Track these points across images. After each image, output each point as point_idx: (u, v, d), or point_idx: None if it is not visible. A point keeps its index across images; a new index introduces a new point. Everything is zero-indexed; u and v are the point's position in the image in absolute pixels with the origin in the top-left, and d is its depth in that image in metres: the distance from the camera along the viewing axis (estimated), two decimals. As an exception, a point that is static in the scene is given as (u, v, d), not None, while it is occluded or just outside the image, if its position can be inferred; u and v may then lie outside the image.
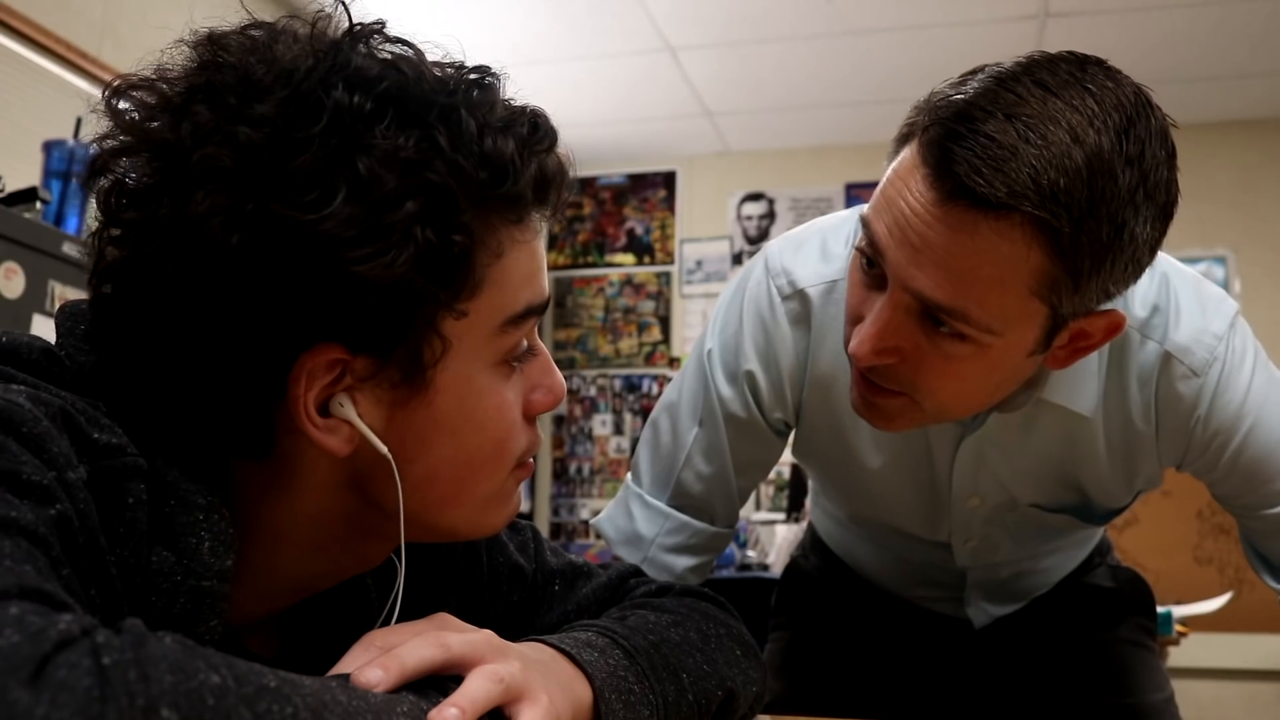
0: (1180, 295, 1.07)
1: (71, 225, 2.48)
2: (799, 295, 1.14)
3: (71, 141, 2.56)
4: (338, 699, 0.52)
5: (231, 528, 0.63)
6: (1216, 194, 4.81)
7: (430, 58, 0.68)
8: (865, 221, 0.94)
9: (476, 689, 0.59)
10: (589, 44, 4.38)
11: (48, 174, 2.52)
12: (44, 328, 2.27)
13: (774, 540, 3.75)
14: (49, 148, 2.56)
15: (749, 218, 5.40)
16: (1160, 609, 3.29)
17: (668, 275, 5.50)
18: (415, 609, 0.71)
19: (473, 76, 0.67)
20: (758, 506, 4.99)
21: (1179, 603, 3.49)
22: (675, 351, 5.41)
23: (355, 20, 0.67)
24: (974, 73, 0.90)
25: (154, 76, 0.65)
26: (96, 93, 0.68)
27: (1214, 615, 3.32)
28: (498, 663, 0.61)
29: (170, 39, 0.67)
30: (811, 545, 1.59)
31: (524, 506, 0.78)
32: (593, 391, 5.48)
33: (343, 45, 0.65)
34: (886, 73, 4.46)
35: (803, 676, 1.49)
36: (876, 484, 1.22)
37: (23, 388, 0.57)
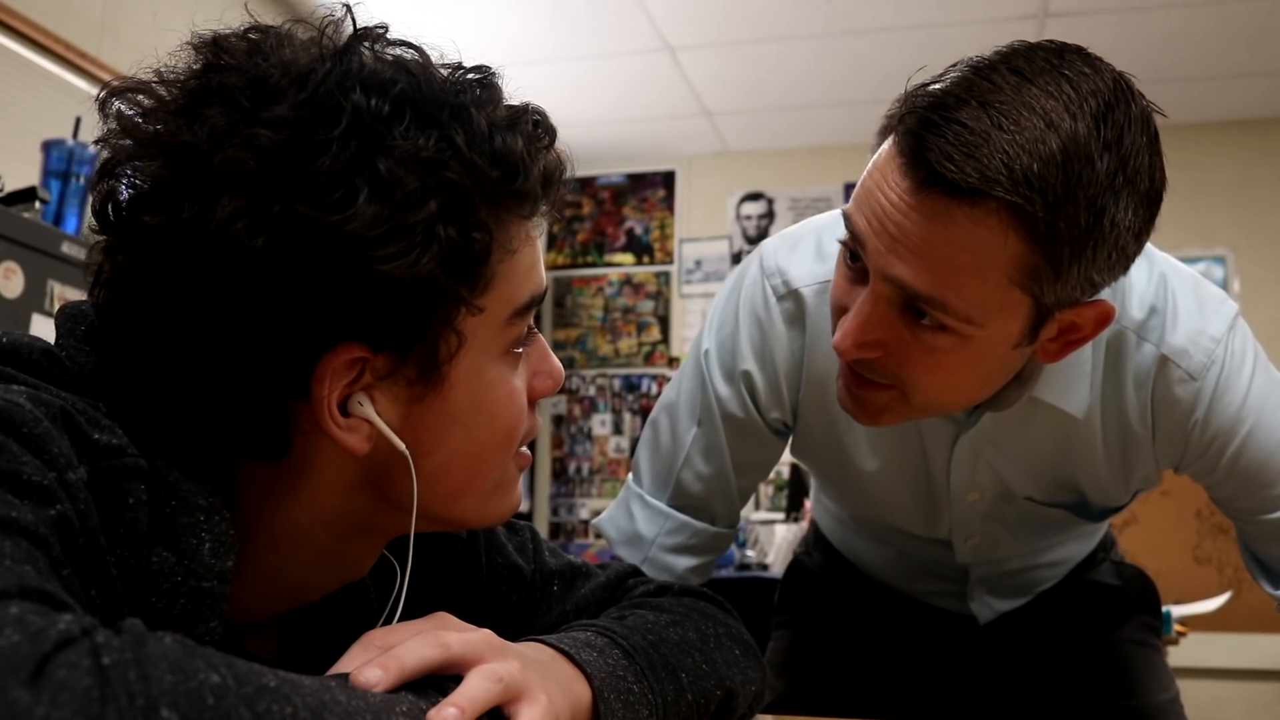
0: (1178, 296, 1.06)
1: (70, 225, 2.48)
2: (794, 295, 1.14)
3: (71, 141, 2.56)
4: (337, 699, 0.52)
5: (232, 529, 0.63)
6: (1216, 193, 4.81)
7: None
8: (847, 215, 0.94)
9: (475, 688, 0.59)
10: (588, 44, 4.39)
11: (47, 174, 2.52)
12: (43, 328, 2.27)
13: (773, 540, 3.75)
14: (48, 147, 2.55)
15: (748, 217, 5.40)
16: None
17: (667, 275, 5.50)
18: (414, 609, 0.71)
19: (476, 76, 0.68)
20: (757, 506, 4.99)
21: (1178, 602, 3.50)
22: (675, 351, 5.41)
23: (359, 24, 0.67)
24: (955, 65, 0.90)
25: (152, 79, 0.65)
26: (95, 92, 0.68)
27: (1213, 615, 3.32)
28: (497, 662, 0.61)
29: (170, 39, 0.67)
30: (814, 542, 1.59)
31: (523, 506, 0.79)
32: (592, 391, 5.48)
33: (353, 48, 0.65)
34: (886, 72, 4.46)
35: (805, 675, 1.49)
36: (874, 485, 1.22)
37: (23, 388, 0.57)
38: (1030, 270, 0.86)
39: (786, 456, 1.30)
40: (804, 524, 3.68)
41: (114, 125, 0.65)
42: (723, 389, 1.18)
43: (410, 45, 0.68)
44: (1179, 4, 3.92)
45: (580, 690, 0.68)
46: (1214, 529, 4.56)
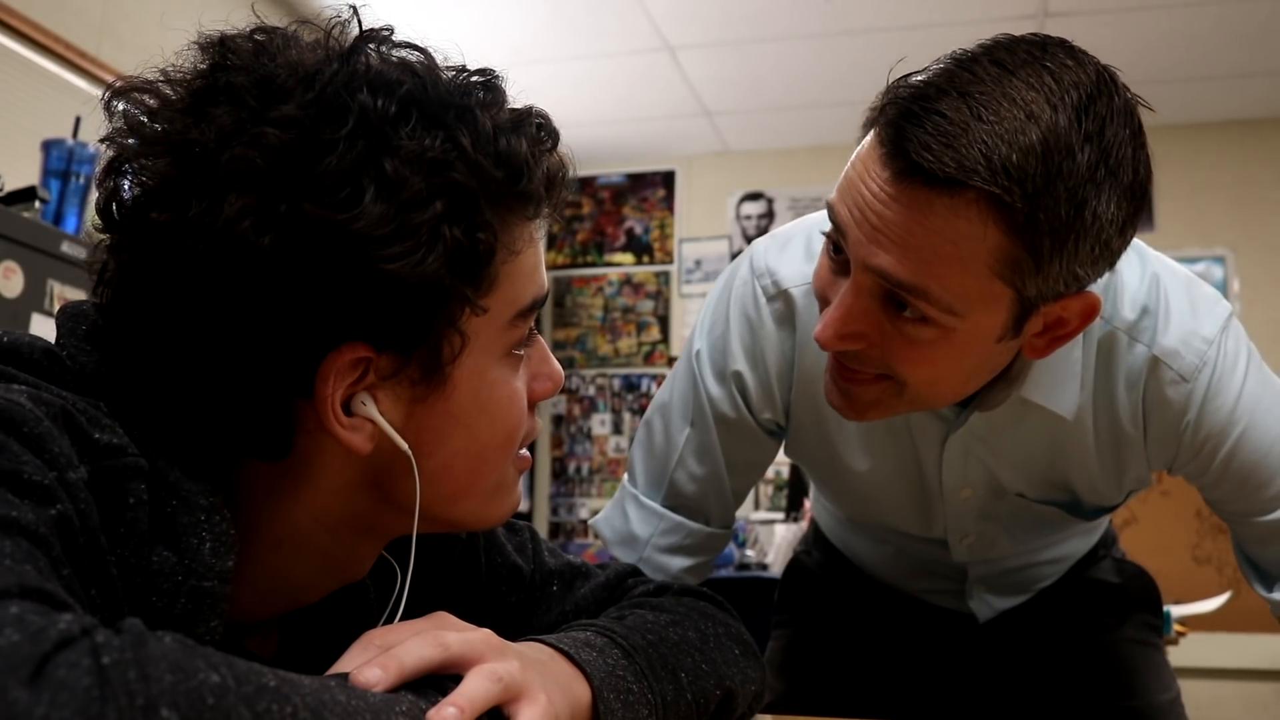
0: (1171, 296, 1.06)
1: (70, 225, 2.48)
2: (783, 295, 1.14)
3: (70, 141, 2.56)
4: (337, 698, 0.52)
5: (233, 529, 0.63)
6: (1216, 193, 4.81)
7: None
8: (830, 205, 0.94)
9: (475, 688, 0.59)
10: (588, 43, 4.39)
11: (46, 173, 2.52)
12: (43, 327, 2.27)
13: (773, 540, 3.75)
14: (48, 147, 2.55)
15: (748, 217, 5.40)
16: (1159, 608, 3.28)
17: (667, 275, 5.50)
18: (414, 609, 0.72)
19: (480, 78, 0.69)
20: (756, 506, 4.99)
21: (1178, 602, 3.49)
22: (674, 351, 5.41)
23: (365, 25, 0.68)
24: (940, 58, 0.91)
25: (159, 78, 0.65)
26: (96, 92, 0.68)
27: (1212, 615, 3.32)
28: (496, 662, 0.61)
29: (172, 39, 0.67)
30: (814, 540, 1.59)
31: (523, 506, 0.79)
32: (591, 391, 5.48)
33: (359, 49, 0.66)
34: (885, 72, 4.45)
35: (805, 675, 1.48)
36: (866, 485, 1.22)
37: (24, 388, 0.57)
38: (1011, 261, 0.86)
39: (786, 455, 1.30)
40: (804, 524, 3.68)
41: (120, 124, 0.65)
42: (714, 389, 1.18)
43: (416, 47, 0.68)
44: (1179, 4, 3.91)
45: (580, 690, 0.68)
46: (1214, 529, 4.56)
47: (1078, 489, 1.17)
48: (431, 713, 0.57)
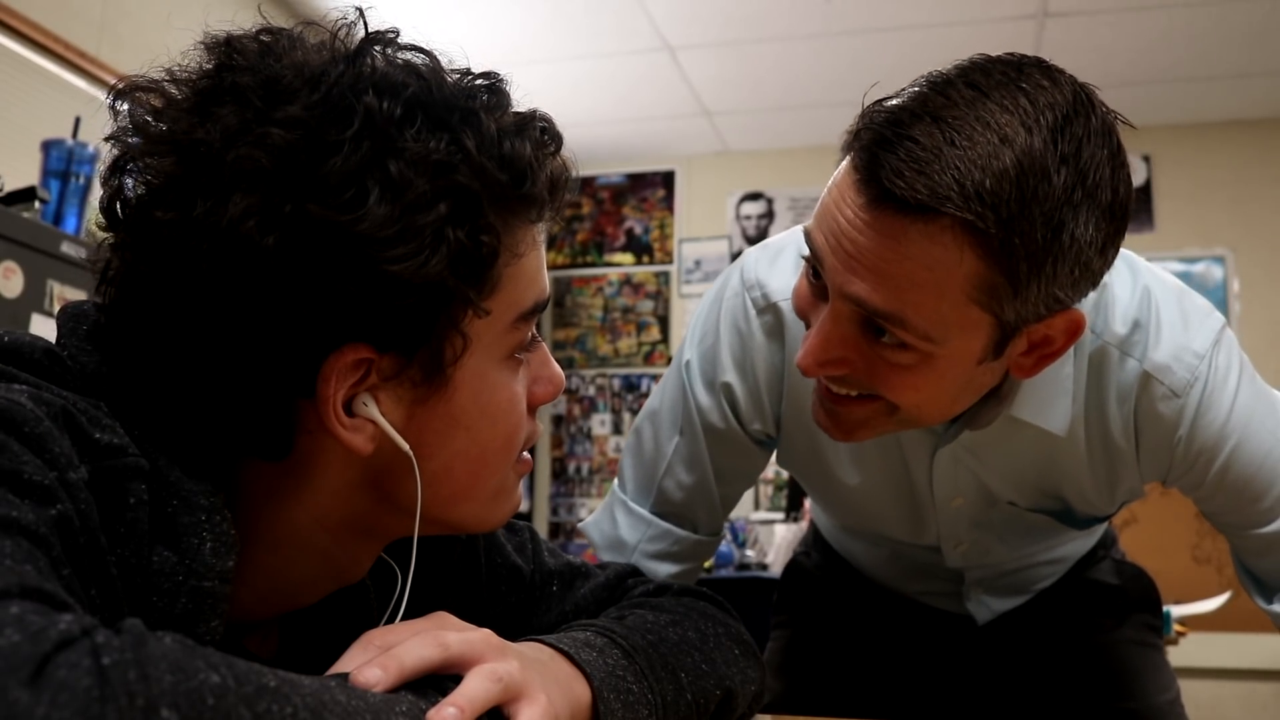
0: (1162, 310, 1.05)
1: (70, 225, 2.48)
2: (772, 309, 1.14)
3: (70, 141, 2.56)
4: (337, 698, 0.52)
5: (233, 529, 0.63)
6: (1215, 193, 4.81)
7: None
8: (807, 232, 0.94)
9: (475, 688, 0.59)
10: (587, 44, 4.39)
11: (46, 173, 2.52)
12: (42, 327, 2.27)
13: (773, 540, 3.75)
14: (47, 147, 2.55)
15: (748, 217, 5.40)
16: (1159, 608, 3.28)
17: (666, 275, 5.50)
18: (414, 609, 0.72)
19: (485, 82, 0.69)
20: (756, 506, 4.99)
21: (1178, 602, 3.50)
22: (674, 351, 5.41)
23: (370, 27, 0.68)
24: (916, 80, 0.90)
25: (164, 78, 0.65)
26: (95, 93, 0.68)
27: (1212, 615, 3.32)
28: (496, 662, 0.62)
29: (174, 38, 0.67)
30: (813, 541, 1.59)
31: (523, 506, 0.79)
32: (591, 391, 5.48)
33: (365, 51, 0.66)
34: (885, 72, 4.44)
35: (804, 676, 1.49)
36: (858, 496, 1.22)
37: (24, 388, 0.57)
38: (988, 288, 0.85)
39: (778, 464, 1.30)
40: (804, 524, 3.68)
41: (125, 123, 0.65)
42: (704, 399, 1.18)
43: (421, 50, 0.69)
44: (1179, 4, 3.91)
45: (580, 690, 0.68)
46: (1213, 529, 4.55)
47: (1070, 499, 1.17)
48: (431, 713, 0.57)
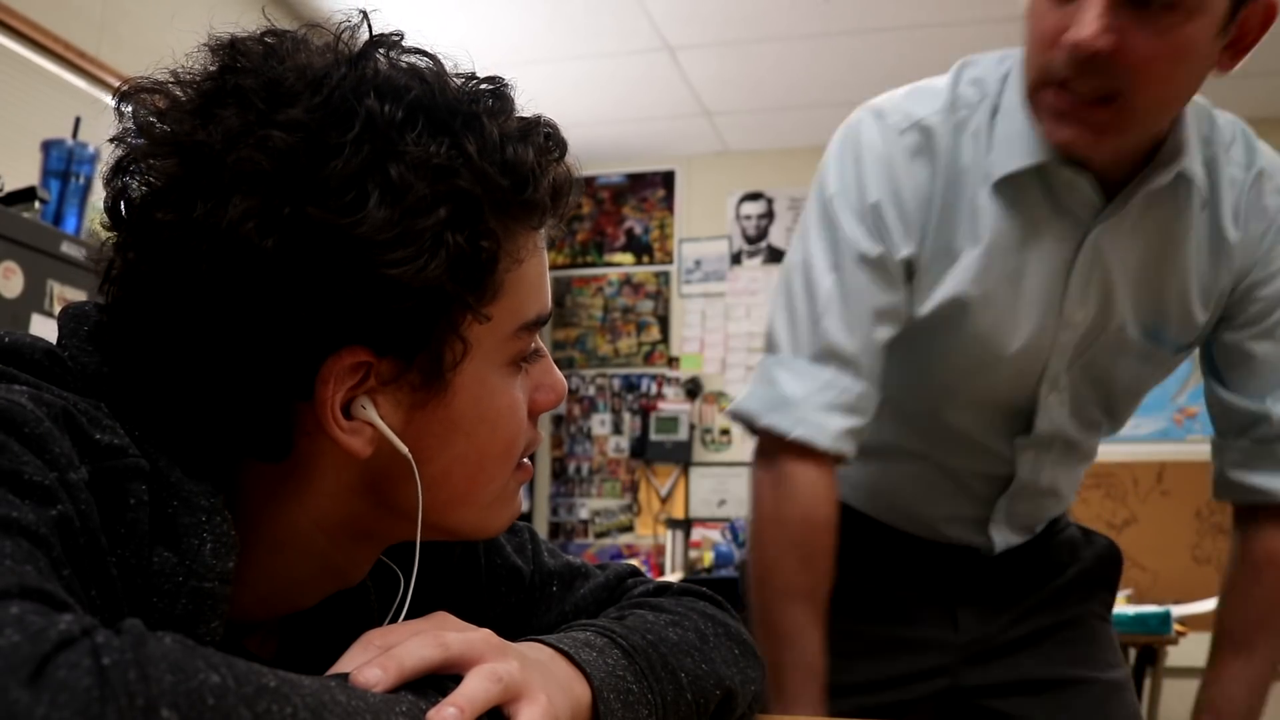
0: (1259, 142, 1.27)
1: (70, 225, 2.48)
2: (918, 127, 1.23)
3: (70, 141, 2.56)
4: (337, 699, 0.52)
5: (234, 529, 0.63)
6: (1215, 194, 4.81)
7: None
8: None
9: (475, 688, 0.59)
10: (587, 44, 4.39)
11: (46, 173, 2.52)
12: (42, 327, 2.27)
13: (773, 540, 3.74)
14: (47, 147, 2.55)
15: (748, 217, 5.40)
16: (1159, 608, 3.30)
17: (666, 275, 5.50)
18: (413, 610, 0.72)
19: (489, 86, 0.69)
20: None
21: (1178, 602, 3.50)
22: (674, 351, 5.41)
23: (375, 30, 0.68)
24: None
25: (169, 79, 0.65)
26: (95, 93, 0.69)
27: (1212, 614, 3.31)
28: (496, 662, 0.61)
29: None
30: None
31: (523, 506, 0.80)
32: (591, 391, 5.48)
33: (368, 54, 0.66)
34: (885, 72, 4.45)
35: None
36: (984, 318, 1.25)
37: (25, 388, 0.57)
38: None
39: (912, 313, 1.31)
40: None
41: (129, 124, 0.65)
42: (853, 229, 1.22)
43: (425, 54, 0.69)
44: (1178, 4, 3.92)
45: (580, 690, 0.68)
46: (1214, 529, 4.56)
47: (1170, 310, 1.27)
48: (431, 713, 0.57)
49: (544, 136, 0.70)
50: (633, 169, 5.59)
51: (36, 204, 2.40)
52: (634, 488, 5.34)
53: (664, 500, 5.27)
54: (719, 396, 5.28)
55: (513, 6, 4.11)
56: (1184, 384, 4.53)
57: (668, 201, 5.55)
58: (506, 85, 0.70)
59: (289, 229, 0.60)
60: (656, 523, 5.23)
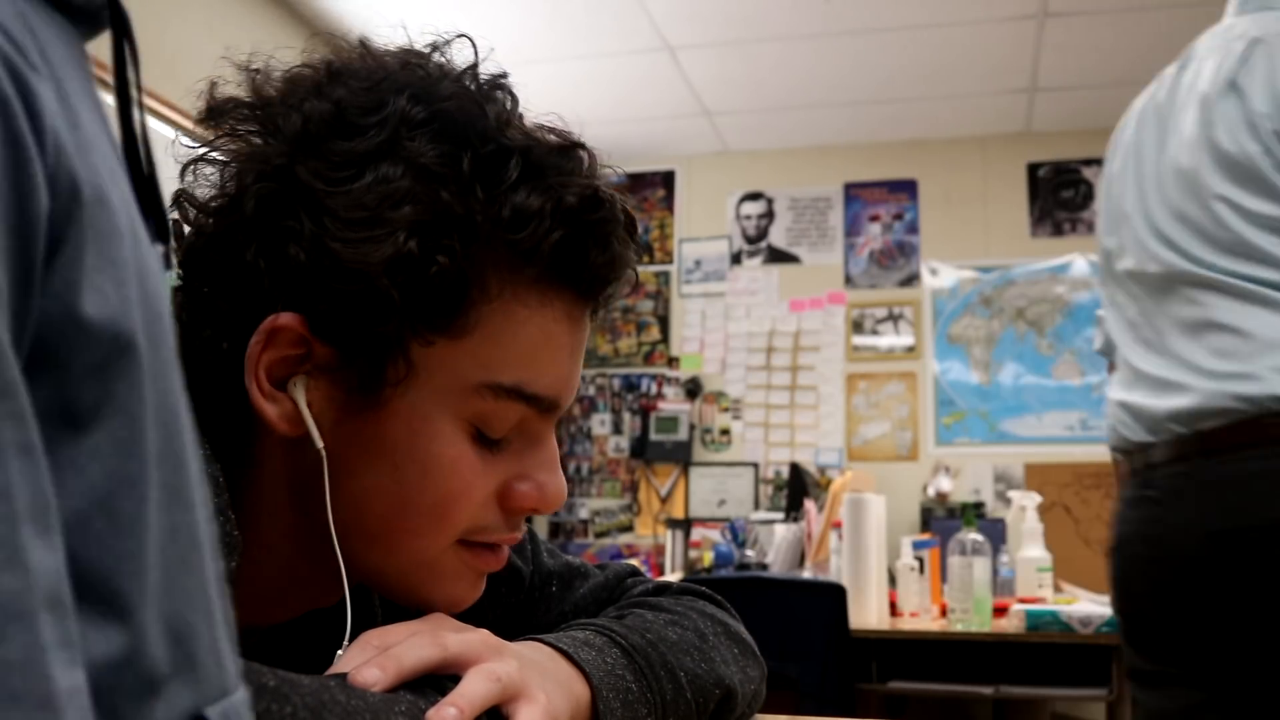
0: None
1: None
2: None
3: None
4: (336, 698, 0.52)
5: (236, 529, 0.63)
6: (1215, 193, 4.81)
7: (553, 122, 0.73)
8: None
9: (474, 688, 0.59)
10: (587, 43, 4.39)
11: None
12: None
13: (773, 540, 3.75)
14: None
15: (748, 217, 5.40)
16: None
17: (666, 275, 5.50)
18: (414, 611, 0.72)
19: (557, 140, 0.71)
20: (756, 506, 4.99)
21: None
22: (674, 351, 5.41)
23: (479, 66, 0.74)
24: None
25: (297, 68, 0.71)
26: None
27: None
28: (495, 662, 0.62)
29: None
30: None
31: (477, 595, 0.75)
32: (591, 391, 5.48)
33: (442, 69, 0.70)
34: (885, 72, 4.46)
35: None
36: None
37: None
38: None
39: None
40: (804, 523, 3.69)
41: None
42: None
43: (513, 96, 0.74)
44: (1179, 4, 3.91)
45: (579, 689, 0.68)
46: (1213, 529, 4.55)
47: None
48: (431, 713, 0.57)
49: (587, 202, 0.69)
50: (633, 169, 5.59)
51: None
52: (634, 488, 5.34)
53: (664, 500, 5.27)
54: (719, 396, 5.28)
55: (513, 6, 4.11)
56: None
57: (668, 201, 5.55)
58: (583, 149, 0.72)
59: (271, 177, 0.64)
60: (656, 523, 5.23)
